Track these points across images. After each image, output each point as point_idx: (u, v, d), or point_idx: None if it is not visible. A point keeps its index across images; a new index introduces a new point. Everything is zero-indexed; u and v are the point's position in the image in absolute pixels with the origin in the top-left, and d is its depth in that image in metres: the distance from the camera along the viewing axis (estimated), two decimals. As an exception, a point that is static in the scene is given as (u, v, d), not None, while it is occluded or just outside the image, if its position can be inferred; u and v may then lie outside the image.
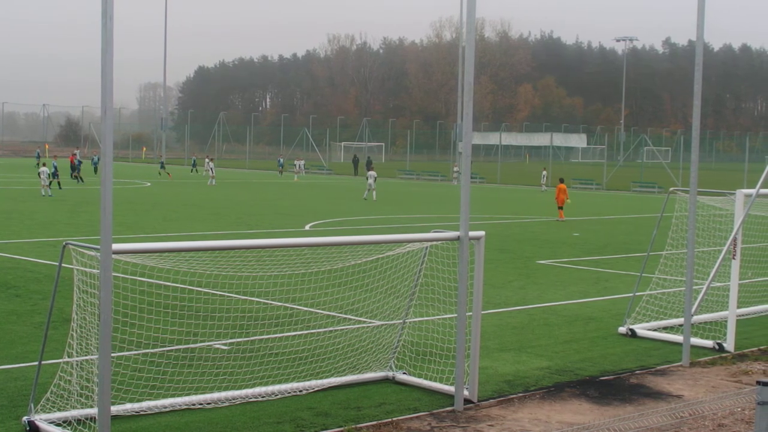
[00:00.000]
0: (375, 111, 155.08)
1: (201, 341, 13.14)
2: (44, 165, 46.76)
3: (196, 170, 76.82)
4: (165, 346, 12.71)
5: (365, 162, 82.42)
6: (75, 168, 58.27)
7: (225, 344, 13.40)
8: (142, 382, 10.97)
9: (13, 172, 61.94)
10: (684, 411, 11.09)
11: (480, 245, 11.49)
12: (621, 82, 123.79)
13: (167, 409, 10.48)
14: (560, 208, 38.43)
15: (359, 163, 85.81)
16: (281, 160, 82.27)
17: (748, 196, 15.06)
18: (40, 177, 45.80)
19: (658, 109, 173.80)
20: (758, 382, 7.32)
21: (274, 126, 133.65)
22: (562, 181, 39.65)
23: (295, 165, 77.09)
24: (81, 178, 56.92)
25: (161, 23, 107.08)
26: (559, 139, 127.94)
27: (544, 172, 64.16)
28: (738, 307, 15.46)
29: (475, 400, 11.33)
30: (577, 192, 59.64)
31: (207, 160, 66.39)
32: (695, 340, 14.62)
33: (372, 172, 50.17)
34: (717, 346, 14.73)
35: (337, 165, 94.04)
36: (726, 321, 15.18)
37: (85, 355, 10.18)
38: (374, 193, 48.61)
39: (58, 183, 49.39)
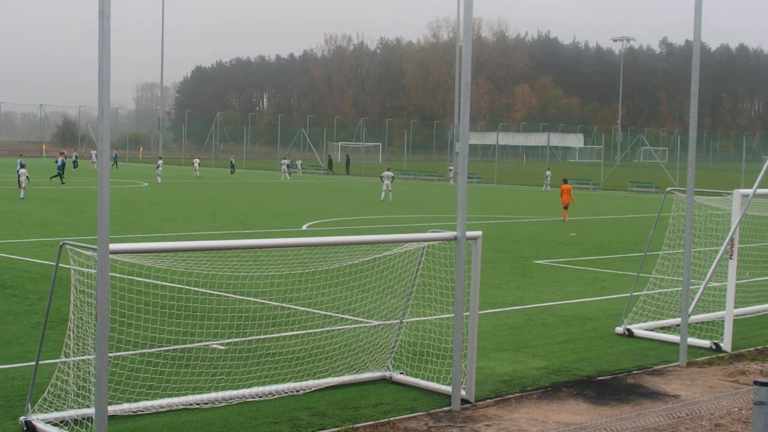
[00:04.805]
0: (372, 111, 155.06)
1: (198, 341, 13.14)
2: (23, 166, 44.30)
3: (233, 172, 77.48)
4: (162, 346, 12.71)
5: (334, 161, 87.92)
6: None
7: (222, 344, 13.40)
8: (139, 382, 10.97)
9: (10, 172, 61.80)
10: (681, 411, 11.10)
11: (477, 245, 11.50)
12: (618, 82, 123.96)
13: (164, 409, 10.48)
14: (565, 207, 38.60)
15: (350, 162, 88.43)
16: (289, 161, 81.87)
17: (745, 196, 15.07)
18: (19, 179, 43.41)
19: (655, 109, 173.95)
20: (755, 382, 7.32)
21: (272, 126, 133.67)
22: (565, 181, 39.84)
23: (282, 164, 76.58)
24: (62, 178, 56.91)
25: (158, 23, 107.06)
26: (557, 139, 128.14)
27: (548, 173, 64.00)
28: (735, 307, 15.47)
29: (473, 400, 11.33)
30: (574, 192, 59.59)
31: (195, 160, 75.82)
32: (692, 340, 14.63)
33: (388, 173, 49.76)
34: (714, 346, 14.74)
35: (335, 165, 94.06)
36: (723, 321, 15.18)
37: (83, 355, 10.17)
38: (390, 194, 48.40)
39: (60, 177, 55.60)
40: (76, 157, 76.01)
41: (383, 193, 48.43)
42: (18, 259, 22.33)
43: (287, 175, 73.48)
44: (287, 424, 10.24)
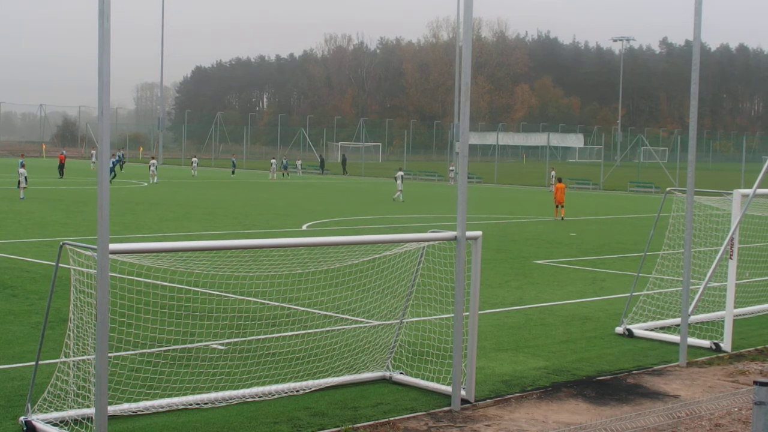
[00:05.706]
0: (372, 111, 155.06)
1: (198, 341, 13.14)
2: (23, 166, 44.15)
3: (234, 172, 77.32)
4: (162, 346, 12.71)
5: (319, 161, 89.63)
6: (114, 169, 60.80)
7: (222, 344, 13.40)
8: (139, 382, 10.97)
9: (10, 172, 61.80)
10: (681, 411, 11.10)
11: (477, 245, 11.49)
12: (618, 82, 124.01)
13: (164, 409, 10.48)
14: (560, 206, 38.89)
15: (347, 162, 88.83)
16: (283, 161, 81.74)
17: (745, 196, 15.07)
18: (20, 177, 43.18)
19: (655, 109, 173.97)
20: (755, 382, 7.32)
21: (271, 126, 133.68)
22: (560, 180, 40.29)
23: (272, 164, 76.38)
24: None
25: (158, 23, 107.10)
26: (556, 139, 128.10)
27: (553, 173, 63.85)
28: (735, 307, 15.47)
29: (472, 400, 11.33)
30: (574, 192, 59.68)
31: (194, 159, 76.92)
32: (692, 340, 14.63)
33: (401, 173, 49.86)
34: (714, 346, 14.74)
35: (334, 165, 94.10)
36: (723, 321, 15.19)
37: (83, 355, 10.17)
38: (397, 194, 48.45)
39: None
40: (120, 157, 74.93)
41: (398, 194, 48.45)
42: (18, 259, 22.32)
43: (274, 174, 73.49)
44: (287, 424, 10.24)
